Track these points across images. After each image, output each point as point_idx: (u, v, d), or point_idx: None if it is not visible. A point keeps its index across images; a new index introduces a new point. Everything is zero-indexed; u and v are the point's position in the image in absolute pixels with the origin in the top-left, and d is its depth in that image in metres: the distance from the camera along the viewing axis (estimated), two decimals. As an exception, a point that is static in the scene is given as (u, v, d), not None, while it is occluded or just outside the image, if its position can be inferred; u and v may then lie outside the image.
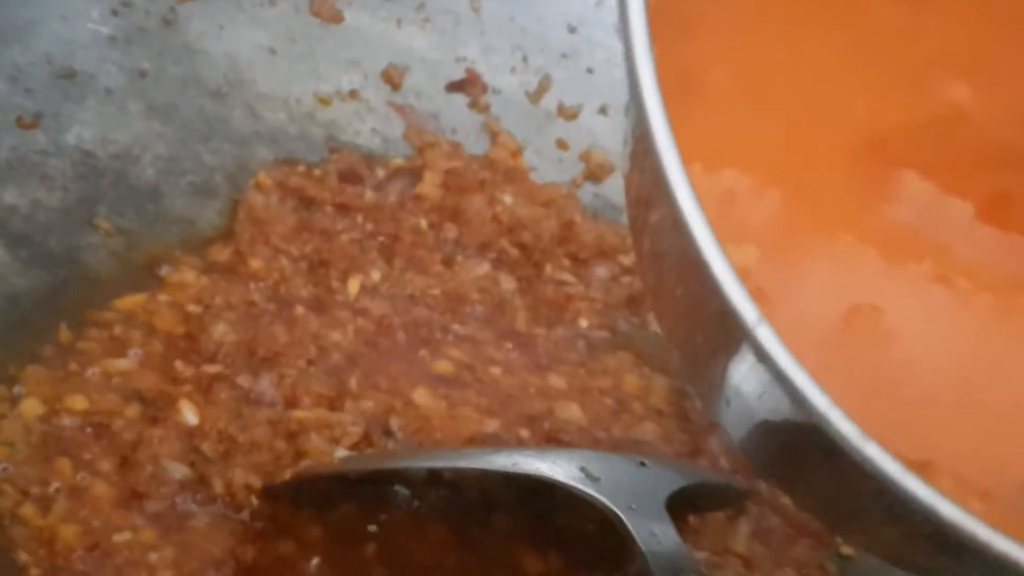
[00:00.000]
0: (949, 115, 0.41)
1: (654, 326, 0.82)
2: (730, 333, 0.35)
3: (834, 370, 0.35)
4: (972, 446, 0.36)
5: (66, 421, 0.63)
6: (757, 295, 0.34)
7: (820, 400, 0.33)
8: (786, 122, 0.40)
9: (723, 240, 0.34)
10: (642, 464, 0.61)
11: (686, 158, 0.34)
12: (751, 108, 0.40)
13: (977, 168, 0.40)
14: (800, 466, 0.39)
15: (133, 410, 0.64)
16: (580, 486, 0.57)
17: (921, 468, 0.33)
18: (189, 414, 0.65)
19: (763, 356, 0.33)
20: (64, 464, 0.61)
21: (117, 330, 0.68)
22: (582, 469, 0.58)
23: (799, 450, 0.37)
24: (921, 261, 0.39)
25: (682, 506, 0.62)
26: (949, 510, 0.32)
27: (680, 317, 0.41)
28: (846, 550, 0.72)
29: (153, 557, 0.59)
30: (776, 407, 0.35)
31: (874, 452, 0.33)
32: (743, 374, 0.36)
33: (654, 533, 0.55)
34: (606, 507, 0.56)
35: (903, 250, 0.39)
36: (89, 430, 0.63)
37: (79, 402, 0.64)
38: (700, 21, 0.40)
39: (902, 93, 0.41)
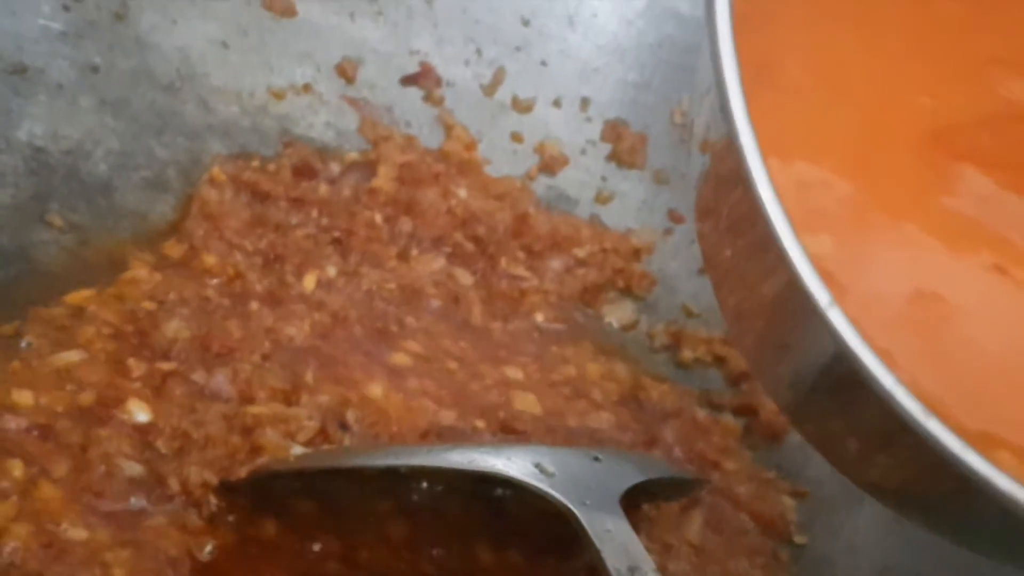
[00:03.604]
0: (1008, 112, 0.43)
1: (609, 317, 0.82)
2: (797, 307, 0.38)
3: (899, 349, 0.38)
4: None
5: (11, 424, 0.62)
6: (828, 280, 0.37)
7: (886, 379, 0.36)
8: (855, 114, 0.42)
9: (799, 229, 0.37)
10: (596, 459, 0.61)
11: (764, 152, 0.38)
12: (822, 100, 0.42)
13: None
14: (850, 427, 0.41)
15: (79, 408, 0.64)
16: (534, 482, 0.57)
17: (981, 438, 0.37)
18: (138, 412, 0.64)
19: (833, 336, 0.37)
20: (15, 465, 0.60)
21: (65, 326, 0.68)
22: (536, 465, 0.58)
23: (854, 414, 0.40)
24: (980, 251, 0.41)
25: (636, 496, 0.62)
26: (1005, 483, 0.36)
27: (745, 287, 0.43)
28: (798, 539, 0.73)
29: (108, 556, 0.58)
30: (840, 380, 0.39)
31: (936, 428, 0.36)
32: (806, 342, 0.40)
33: (608, 529, 0.55)
34: (560, 503, 0.57)
35: (963, 240, 0.41)
36: (35, 432, 0.62)
37: (25, 398, 0.63)
38: (775, 16, 0.42)
39: (964, 90, 0.44)
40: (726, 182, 0.42)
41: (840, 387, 0.39)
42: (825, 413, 0.42)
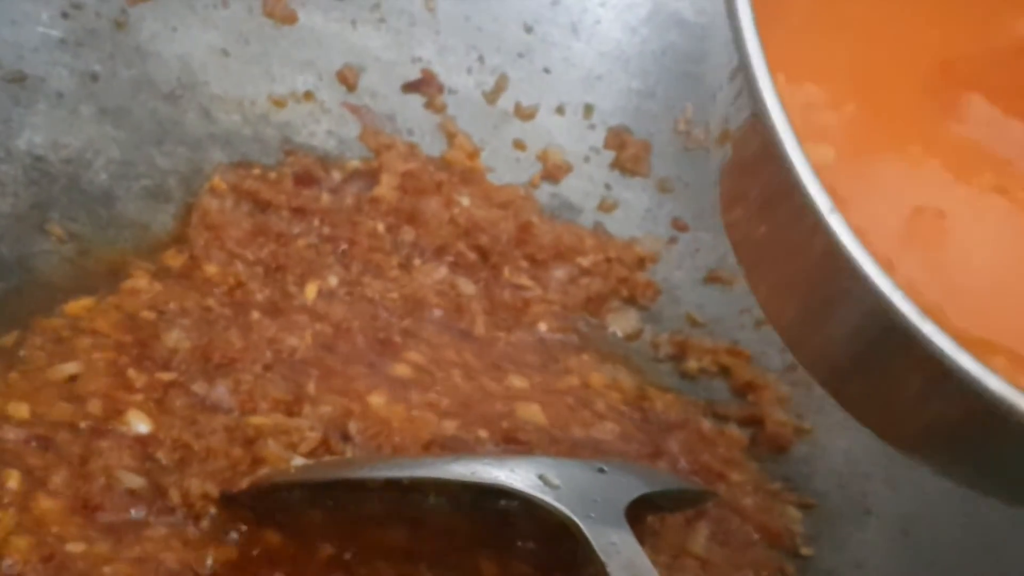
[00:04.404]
0: (1016, 47, 0.45)
1: (613, 327, 0.82)
2: (832, 254, 0.38)
3: (900, 259, 0.39)
4: None
5: (10, 434, 0.61)
6: (831, 193, 0.38)
7: (884, 283, 0.37)
8: (864, 45, 0.44)
9: (803, 139, 0.38)
10: (601, 471, 0.61)
11: (772, 68, 0.39)
12: (832, 29, 0.44)
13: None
14: (888, 375, 0.42)
15: (79, 419, 0.63)
16: (539, 495, 0.57)
17: (978, 344, 0.38)
18: (139, 423, 0.64)
19: (833, 242, 0.37)
20: (12, 476, 0.60)
21: (65, 337, 0.67)
22: (541, 477, 0.58)
23: (888, 358, 0.41)
24: (982, 173, 0.42)
25: (641, 508, 0.62)
26: (995, 382, 0.36)
27: (782, 259, 0.44)
28: (805, 551, 0.73)
29: (107, 570, 0.58)
30: (843, 295, 0.40)
31: (930, 330, 0.37)
32: (846, 293, 0.40)
33: (613, 542, 0.55)
34: (565, 516, 0.56)
35: (966, 163, 0.42)
36: (34, 443, 0.62)
37: (22, 410, 0.63)
38: None
39: (974, 25, 0.45)
40: (754, 159, 0.42)
41: (874, 333, 0.40)
42: (864, 368, 0.43)
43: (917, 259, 0.40)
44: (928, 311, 0.37)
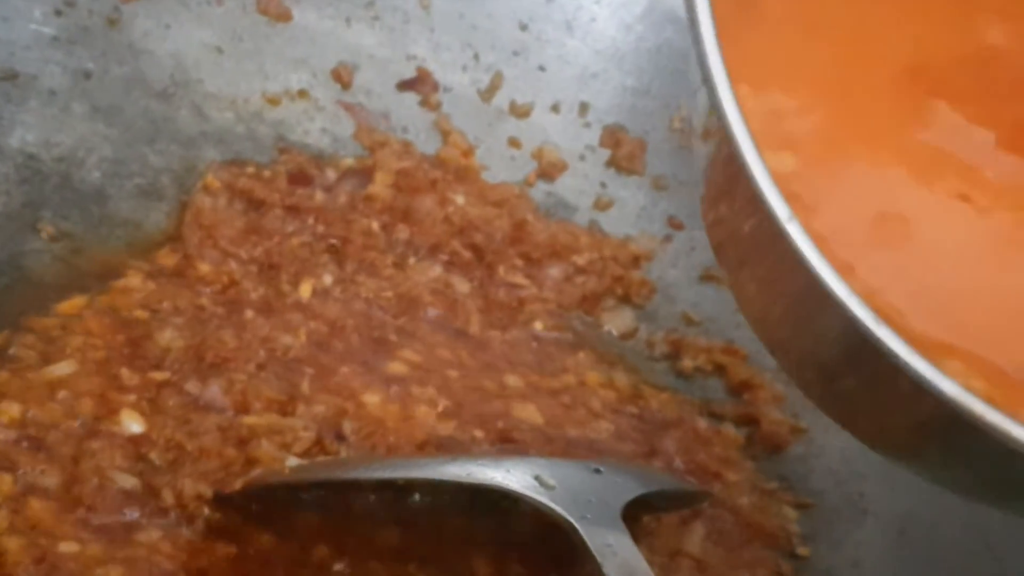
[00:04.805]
0: (984, 54, 0.45)
1: (608, 326, 0.82)
2: (771, 235, 0.38)
3: (861, 263, 0.39)
4: (985, 332, 0.40)
5: (1, 435, 0.61)
6: (793, 200, 0.38)
7: (840, 289, 0.37)
8: (834, 49, 0.44)
9: (762, 148, 0.38)
10: (597, 471, 0.61)
11: (735, 78, 0.39)
12: (802, 34, 0.44)
13: (1003, 101, 0.45)
14: (867, 389, 0.42)
15: (71, 420, 0.63)
16: (535, 496, 0.57)
17: (936, 348, 0.38)
18: (131, 423, 0.64)
19: (792, 250, 0.37)
20: (3, 477, 0.60)
21: (56, 336, 0.67)
22: (536, 477, 0.58)
23: (826, 341, 0.41)
24: (946, 179, 0.42)
25: (637, 509, 0.62)
26: (948, 385, 0.36)
27: (763, 261, 0.44)
28: (801, 551, 0.72)
29: (100, 571, 0.57)
30: (808, 303, 0.40)
31: (885, 335, 0.37)
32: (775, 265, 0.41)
33: (609, 543, 0.55)
34: (561, 517, 0.56)
35: (931, 169, 0.42)
36: (25, 444, 0.61)
37: (13, 410, 0.62)
38: None
39: (944, 31, 0.46)
40: (730, 161, 0.42)
41: (842, 341, 0.40)
42: (837, 376, 0.43)
43: (879, 264, 0.40)
44: (888, 315, 0.37)
